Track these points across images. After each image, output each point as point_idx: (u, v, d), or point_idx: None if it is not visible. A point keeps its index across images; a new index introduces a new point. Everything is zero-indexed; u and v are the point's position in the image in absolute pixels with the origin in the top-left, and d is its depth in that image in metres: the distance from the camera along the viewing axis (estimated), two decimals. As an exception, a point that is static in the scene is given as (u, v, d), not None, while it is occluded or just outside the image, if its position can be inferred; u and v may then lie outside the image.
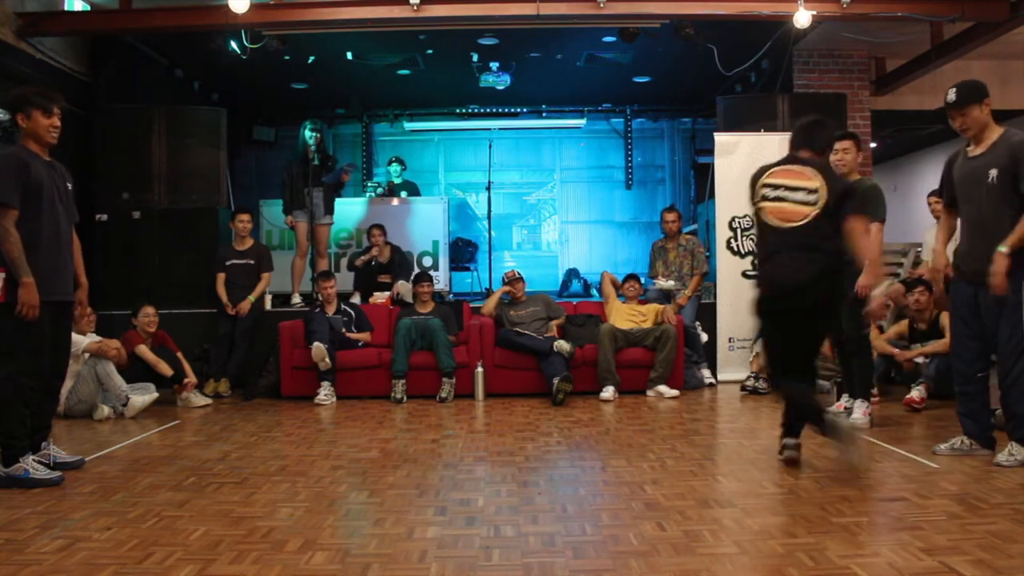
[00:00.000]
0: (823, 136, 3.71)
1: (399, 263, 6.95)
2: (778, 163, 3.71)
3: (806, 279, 3.46)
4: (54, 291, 3.54)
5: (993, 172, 3.55)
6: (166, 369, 5.52)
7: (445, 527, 2.81)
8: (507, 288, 6.27)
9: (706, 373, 6.38)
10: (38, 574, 2.42)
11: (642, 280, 6.55)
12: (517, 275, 6.32)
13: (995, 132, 3.61)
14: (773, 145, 6.69)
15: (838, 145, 4.64)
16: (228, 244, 6.53)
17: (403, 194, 8.63)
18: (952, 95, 3.62)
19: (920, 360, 5.34)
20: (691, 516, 2.89)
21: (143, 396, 5.18)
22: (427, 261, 8.00)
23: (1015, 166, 3.49)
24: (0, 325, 3.41)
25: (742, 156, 6.68)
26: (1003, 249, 3.39)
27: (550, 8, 6.13)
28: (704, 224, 8.23)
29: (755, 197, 3.69)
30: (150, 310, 5.74)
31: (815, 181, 3.52)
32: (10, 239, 3.35)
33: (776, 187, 3.60)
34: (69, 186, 3.70)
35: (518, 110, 10.36)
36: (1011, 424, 3.57)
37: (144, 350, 5.51)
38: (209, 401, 5.70)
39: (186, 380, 5.59)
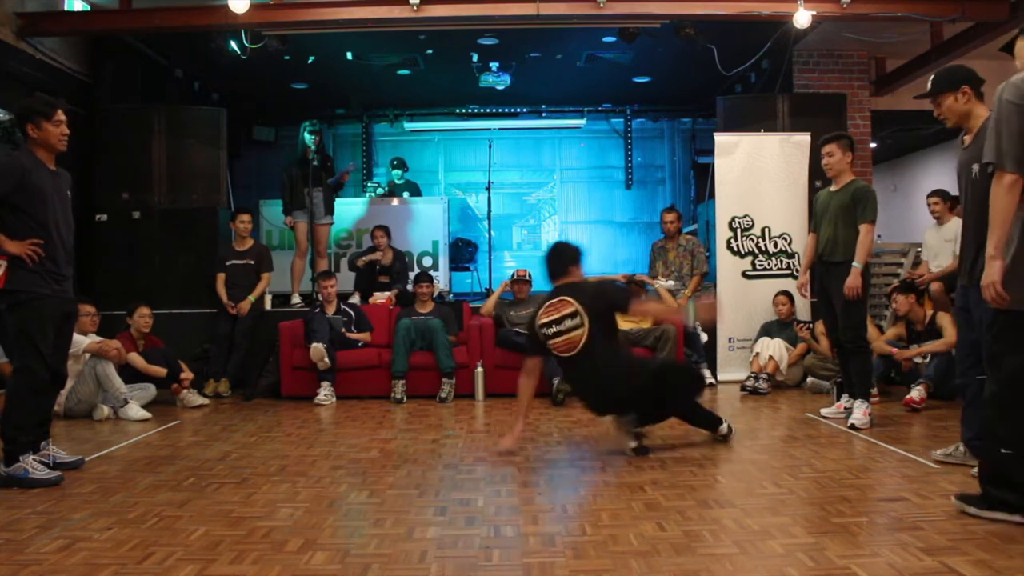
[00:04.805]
0: (559, 262, 4.04)
1: (399, 268, 6.94)
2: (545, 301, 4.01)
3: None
4: (59, 291, 3.56)
5: (975, 167, 3.10)
6: (158, 371, 5.50)
7: (445, 527, 2.81)
8: (509, 286, 6.25)
9: (706, 373, 6.37)
10: (38, 574, 2.42)
11: (646, 287, 6.52)
12: (527, 277, 6.28)
13: (981, 120, 3.17)
14: (773, 145, 6.72)
15: (822, 150, 4.66)
16: (228, 244, 6.53)
17: (405, 195, 8.63)
18: (929, 83, 3.37)
19: (919, 360, 5.35)
20: (691, 516, 2.89)
21: (139, 410, 5.15)
22: (427, 261, 8.00)
23: None
24: (8, 318, 3.45)
25: (742, 156, 6.68)
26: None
27: (550, 8, 6.14)
28: (704, 224, 8.23)
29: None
30: (146, 310, 5.74)
31: (571, 306, 3.85)
32: None
33: (549, 324, 3.91)
34: (68, 194, 3.71)
35: (518, 110, 10.36)
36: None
37: (135, 358, 5.47)
38: (206, 401, 5.69)
39: (182, 376, 5.57)
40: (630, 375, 3.88)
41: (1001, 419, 2.77)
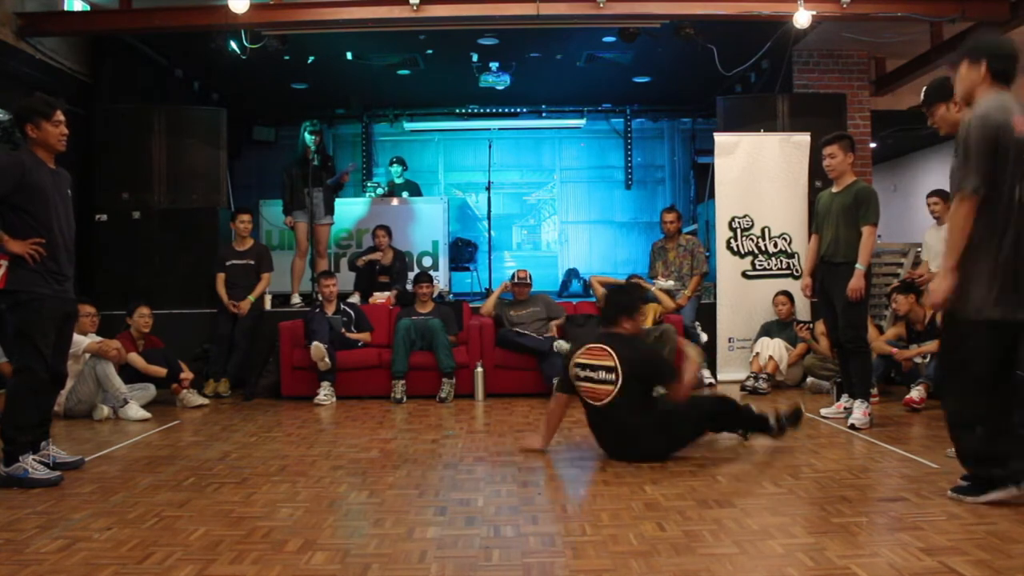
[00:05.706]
0: (612, 310, 3.91)
1: (399, 268, 6.95)
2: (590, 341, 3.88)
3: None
4: (60, 291, 3.56)
5: None
6: (158, 371, 5.50)
7: (445, 527, 2.81)
8: (509, 287, 6.25)
9: (706, 373, 6.37)
10: (38, 574, 2.42)
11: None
12: (527, 279, 6.26)
13: None
14: (773, 145, 6.72)
15: (824, 151, 4.66)
16: (228, 244, 6.53)
17: (404, 194, 8.63)
18: (922, 94, 3.50)
19: (919, 360, 5.35)
20: (691, 516, 2.89)
21: (139, 410, 5.15)
22: (427, 261, 8.00)
23: None
24: (9, 318, 3.46)
25: (742, 156, 6.68)
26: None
27: (550, 8, 6.14)
28: (704, 224, 8.23)
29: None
30: (146, 310, 5.74)
31: (610, 360, 3.70)
32: None
33: (583, 367, 3.80)
34: (69, 193, 3.72)
35: (518, 110, 10.36)
36: None
37: (135, 358, 5.47)
38: (206, 401, 5.69)
39: (182, 376, 5.57)
40: (645, 437, 3.72)
41: (968, 405, 2.94)
